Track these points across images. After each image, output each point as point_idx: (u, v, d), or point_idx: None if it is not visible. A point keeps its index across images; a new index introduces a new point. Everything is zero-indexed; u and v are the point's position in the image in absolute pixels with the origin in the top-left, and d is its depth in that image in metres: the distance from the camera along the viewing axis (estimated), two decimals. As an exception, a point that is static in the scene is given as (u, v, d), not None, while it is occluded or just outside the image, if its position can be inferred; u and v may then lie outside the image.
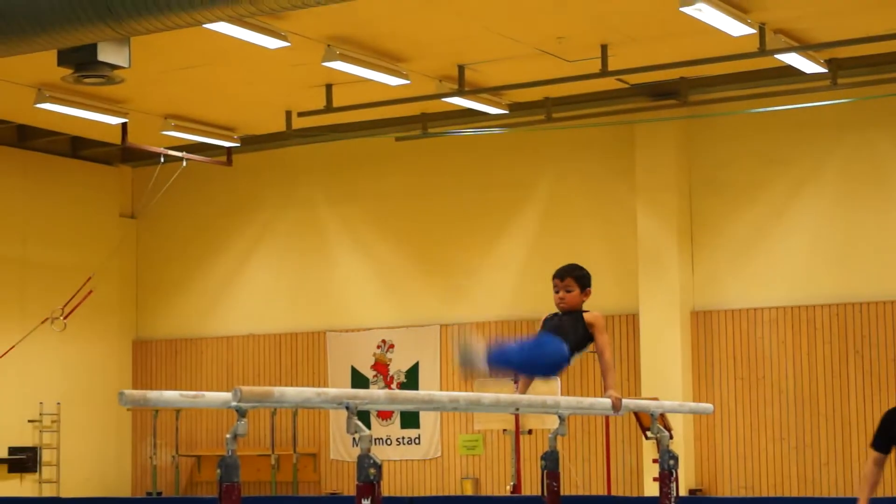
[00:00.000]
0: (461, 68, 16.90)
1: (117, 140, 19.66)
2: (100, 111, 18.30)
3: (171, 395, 5.45)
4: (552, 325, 8.01)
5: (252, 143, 20.71)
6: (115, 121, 18.72)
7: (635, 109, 18.26)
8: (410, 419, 20.19)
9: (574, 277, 8.13)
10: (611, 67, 16.23)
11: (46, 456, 21.08)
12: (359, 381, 20.64)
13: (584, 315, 7.93)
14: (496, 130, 19.37)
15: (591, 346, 7.94)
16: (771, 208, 18.17)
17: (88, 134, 20.54)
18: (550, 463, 7.31)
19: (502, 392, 9.16)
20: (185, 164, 20.27)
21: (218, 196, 22.15)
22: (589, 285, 8.17)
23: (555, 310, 8.08)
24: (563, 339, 7.87)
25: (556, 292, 8.10)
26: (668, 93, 17.91)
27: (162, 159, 20.23)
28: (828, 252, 17.78)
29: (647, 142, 18.57)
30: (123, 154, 21.98)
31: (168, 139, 19.84)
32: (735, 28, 14.82)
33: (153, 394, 5.39)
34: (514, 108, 18.58)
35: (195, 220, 22.37)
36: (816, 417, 17.67)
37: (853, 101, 17.24)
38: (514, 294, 19.36)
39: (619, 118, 18.46)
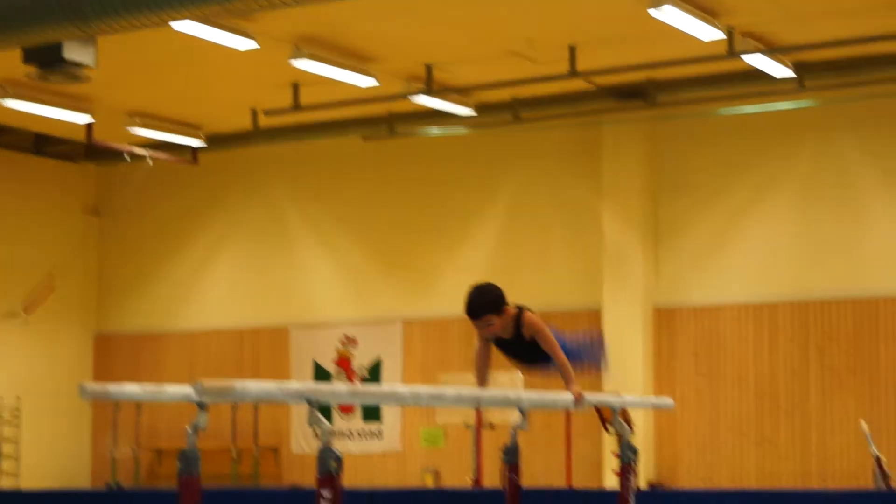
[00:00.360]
0: (429, 68, 16.92)
1: (82, 137, 19.56)
2: (64, 108, 18.23)
3: (132, 388, 5.46)
4: (513, 355, 7.91)
5: (218, 141, 20.62)
6: (80, 118, 18.63)
7: (602, 111, 18.31)
8: (372, 413, 20.22)
9: (488, 313, 7.54)
10: (579, 69, 16.26)
11: (6, 448, 21.02)
12: (321, 376, 20.66)
13: (523, 332, 7.61)
14: (463, 131, 19.39)
15: None
16: (735, 208, 18.28)
17: (52, 131, 20.44)
18: (511, 457, 7.35)
19: (464, 386, 9.21)
20: (149, 162, 20.22)
21: (183, 194, 22.09)
22: (503, 303, 7.57)
23: None
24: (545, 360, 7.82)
25: (479, 329, 7.60)
26: (635, 94, 17.95)
27: (127, 157, 20.17)
28: (790, 251, 17.91)
29: (613, 143, 18.64)
30: (88, 151, 21.86)
31: (133, 136, 19.74)
32: (703, 31, 14.88)
33: (115, 387, 5.40)
34: (482, 109, 18.57)
35: (159, 217, 22.31)
36: (776, 413, 17.80)
37: (819, 105, 17.36)
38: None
39: (587, 119, 18.51)
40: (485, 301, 7.55)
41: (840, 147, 17.76)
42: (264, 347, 21.29)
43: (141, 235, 22.45)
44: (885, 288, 17.39)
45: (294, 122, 19.26)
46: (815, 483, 17.34)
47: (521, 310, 7.69)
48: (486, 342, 7.80)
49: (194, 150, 20.67)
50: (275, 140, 20.00)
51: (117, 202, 22.32)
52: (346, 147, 20.45)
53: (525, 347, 7.69)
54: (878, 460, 14.23)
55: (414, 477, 19.85)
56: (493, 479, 17.58)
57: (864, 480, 16.68)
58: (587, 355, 8.06)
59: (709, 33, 14.96)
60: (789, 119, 17.84)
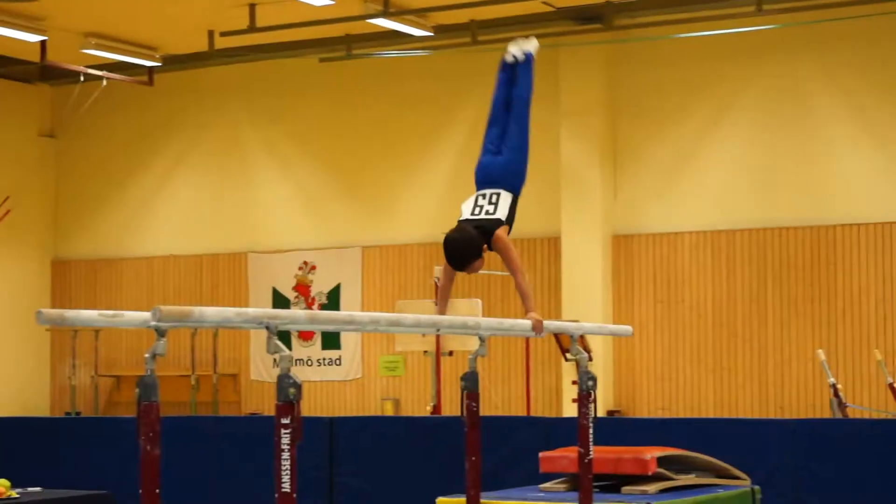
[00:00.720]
0: (386, -12, 16.79)
1: (36, 58, 19.35)
2: (18, 28, 18.00)
3: (89, 314, 5.39)
4: None
5: (174, 62, 20.44)
6: (34, 38, 18.40)
7: (560, 33, 18.22)
8: (331, 340, 20.22)
9: (470, 262, 7.84)
10: (537, -10, 16.18)
11: (-37, 376, 20.97)
12: (280, 302, 20.61)
13: (491, 247, 7.86)
14: (421, 52, 19.27)
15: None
16: (694, 133, 18.27)
17: (6, 51, 20.18)
18: (470, 384, 7.33)
19: (423, 313, 9.19)
20: (104, 83, 20.03)
21: (139, 116, 21.91)
22: (482, 243, 7.87)
23: None
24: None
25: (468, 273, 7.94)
26: (593, 17, 17.87)
27: (82, 78, 19.97)
28: (748, 177, 17.93)
29: (571, 66, 18.56)
30: (42, 72, 21.60)
31: (88, 57, 19.56)
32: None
33: (71, 313, 5.33)
34: (440, 30, 18.46)
35: (116, 139, 22.13)
36: (734, 340, 17.88)
37: (777, 28, 17.31)
38: (437, 217, 19.33)
39: (545, 42, 18.39)
40: (467, 252, 7.80)
41: (799, 71, 17.73)
42: (223, 273, 21.22)
43: (97, 157, 22.26)
44: (843, 215, 17.45)
45: (250, 43, 19.10)
46: (772, 411, 17.47)
47: (489, 230, 7.85)
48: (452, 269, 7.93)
49: (150, 71, 20.49)
50: (231, 61, 19.85)
51: (73, 124, 22.09)
52: (302, 68, 20.30)
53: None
54: (834, 389, 14.34)
55: (373, 405, 19.89)
56: (452, 407, 17.64)
57: (821, 409, 16.81)
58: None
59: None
60: (749, 42, 17.77)
